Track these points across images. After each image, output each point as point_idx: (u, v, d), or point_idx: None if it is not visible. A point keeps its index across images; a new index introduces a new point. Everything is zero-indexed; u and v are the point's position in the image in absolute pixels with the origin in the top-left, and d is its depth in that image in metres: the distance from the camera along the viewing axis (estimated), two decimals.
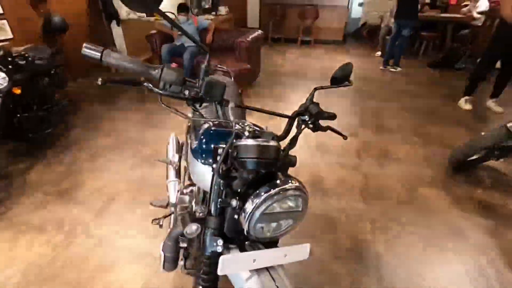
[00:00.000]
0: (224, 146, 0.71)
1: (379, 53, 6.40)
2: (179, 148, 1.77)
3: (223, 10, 5.75)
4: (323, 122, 0.90)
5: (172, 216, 1.44)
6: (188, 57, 3.96)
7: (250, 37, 4.00)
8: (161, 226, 1.42)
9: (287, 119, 0.91)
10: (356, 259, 1.65)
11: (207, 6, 6.17)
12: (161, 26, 4.24)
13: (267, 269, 0.70)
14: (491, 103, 3.71)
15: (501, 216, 2.00)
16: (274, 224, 0.69)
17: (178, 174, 1.70)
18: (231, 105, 0.86)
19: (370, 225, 1.90)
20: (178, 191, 1.58)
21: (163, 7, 0.67)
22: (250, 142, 0.65)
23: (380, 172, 2.43)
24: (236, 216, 0.70)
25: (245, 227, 0.67)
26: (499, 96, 3.67)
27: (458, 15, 6.36)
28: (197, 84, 0.73)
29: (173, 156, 1.77)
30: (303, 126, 0.86)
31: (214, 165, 0.72)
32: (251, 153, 0.64)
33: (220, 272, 0.65)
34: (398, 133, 3.08)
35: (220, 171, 0.69)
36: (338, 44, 7.45)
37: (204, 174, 0.86)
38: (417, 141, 2.93)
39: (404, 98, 4.03)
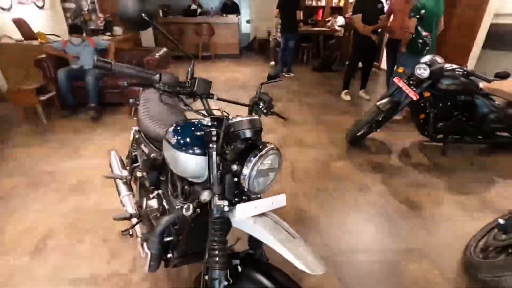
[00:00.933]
0: (214, 130, 0.91)
1: (273, 62, 7.30)
2: (129, 163, 1.79)
3: (118, 30, 5.54)
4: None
5: (139, 224, 1.48)
6: (92, 80, 3.72)
7: (157, 55, 4.07)
8: (131, 235, 1.45)
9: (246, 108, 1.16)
10: (300, 223, 2.02)
11: (93, 27, 5.82)
12: (51, 48, 3.84)
13: (263, 214, 0.93)
14: (361, 93, 4.83)
15: (386, 170, 2.73)
16: (262, 179, 0.93)
17: (129, 187, 1.72)
18: (215, 98, 1.06)
19: (304, 197, 2.32)
20: (135, 202, 1.63)
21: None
22: (243, 118, 0.88)
23: (300, 157, 2.92)
24: (235, 179, 0.90)
25: (246, 185, 0.88)
26: (366, 87, 4.82)
27: (325, 29, 7.89)
28: (187, 84, 0.92)
29: (121, 171, 1.78)
30: (258, 111, 1.13)
31: (211, 145, 0.91)
32: (245, 126, 0.87)
33: (236, 218, 0.85)
34: (305, 125, 3.71)
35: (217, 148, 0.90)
36: (235, 58, 8.11)
37: (188, 161, 1.01)
38: (321, 128, 3.61)
39: (302, 97, 4.81)
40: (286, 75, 6.16)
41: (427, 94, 2.63)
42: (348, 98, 4.70)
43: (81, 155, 2.88)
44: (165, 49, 4.43)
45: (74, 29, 4.01)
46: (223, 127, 0.89)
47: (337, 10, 8.28)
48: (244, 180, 0.89)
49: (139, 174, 1.61)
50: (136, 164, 1.69)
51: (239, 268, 0.94)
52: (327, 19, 8.73)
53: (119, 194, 1.69)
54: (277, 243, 0.83)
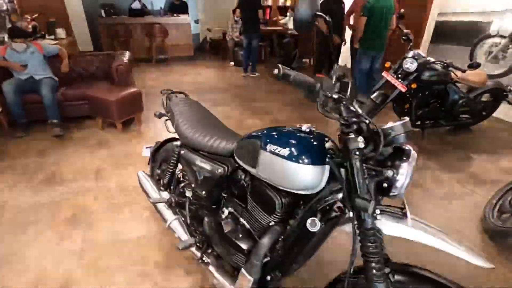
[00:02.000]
0: (358, 136, 0.85)
1: (232, 63, 7.21)
2: (165, 183, 1.57)
3: (62, 33, 4.80)
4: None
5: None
6: (48, 92, 3.16)
7: (125, 60, 3.67)
8: (206, 263, 1.29)
9: None
10: None
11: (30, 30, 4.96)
12: None
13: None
14: None
15: None
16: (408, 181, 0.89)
17: (175, 210, 1.53)
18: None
19: None
20: (186, 224, 1.45)
21: None
22: (397, 123, 0.84)
23: None
24: (385, 185, 0.86)
25: (397, 190, 0.85)
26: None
27: (278, 28, 8.09)
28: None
29: (160, 193, 1.57)
30: None
31: (356, 153, 0.84)
32: (402, 131, 0.83)
33: (409, 225, 0.83)
34: (293, 123, 3.75)
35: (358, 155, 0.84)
36: (190, 60, 7.78)
37: (305, 173, 0.93)
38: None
39: (277, 95, 4.86)
40: (251, 75, 6.15)
41: (413, 85, 2.90)
42: None
43: (62, 180, 2.44)
44: (128, 52, 4.01)
45: (16, 33, 3.35)
46: (381, 135, 0.83)
47: (284, 10, 8.58)
48: (396, 186, 0.85)
49: (189, 193, 1.44)
50: (183, 184, 1.50)
51: (391, 277, 0.90)
52: (275, 19, 8.97)
53: (165, 220, 1.48)
54: (442, 243, 0.83)
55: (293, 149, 0.94)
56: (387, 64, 3.01)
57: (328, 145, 0.97)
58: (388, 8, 3.58)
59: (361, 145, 0.85)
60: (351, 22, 4.52)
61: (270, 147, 0.99)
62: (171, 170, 1.55)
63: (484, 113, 3.42)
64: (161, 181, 1.67)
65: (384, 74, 2.95)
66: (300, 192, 0.97)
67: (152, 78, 5.89)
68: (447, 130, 3.59)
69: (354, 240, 0.88)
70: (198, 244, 1.37)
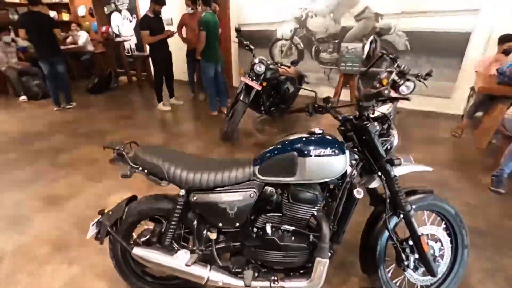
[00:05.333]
0: (369, 124, 1.25)
1: (24, 97, 5.49)
2: (169, 244, 1.35)
3: None
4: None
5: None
6: None
7: None
8: None
9: None
10: None
11: None
12: None
13: None
14: (173, 100, 5.16)
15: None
16: None
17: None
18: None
19: None
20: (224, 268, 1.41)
21: None
22: (392, 108, 1.30)
23: None
24: (388, 147, 1.33)
25: (395, 146, 1.35)
26: (174, 94, 5.18)
27: (68, 46, 6.85)
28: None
29: (177, 256, 1.36)
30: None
31: (375, 134, 1.25)
32: (394, 112, 1.31)
33: None
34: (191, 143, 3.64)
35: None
36: None
37: (342, 161, 1.24)
38: (194, 145, 3.72)
39: (127, 121, 4.36)
40: (68, 106, 5.03)
41: (264, 83, 3.62)
42: (168, 108, 4.88)
43: None
44: None
45: None
46: (389, 117, 1.27)
47: (64, 25, 7.34)
48: (393, 146, 1.35)
49: (213, 236, 1.36)
50: (205, 229, 1.36)
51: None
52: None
53: (200, 277, 1.31)
54: (416, 166, 1.43)
55: (330, 148, 1.21)
56: (240, 70, 3.57)
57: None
58: (216, 23, 4.11)
59: (378, 127, 1.27)
60: (184, 36, 4.78)
61: (314, 152, 1.21)
62: (173, 225, 1.34)
63: (297, 93, 4.78)
64: (158, 243, 1.39)
65: (242, 78, 3.49)
66: (332, 178, 1.27)
67: None
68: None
69: (385, 189, 1.31)
70: (255, 274, 1.35)
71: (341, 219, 1.34)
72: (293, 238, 1.33)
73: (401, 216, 1.34)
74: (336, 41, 4.82)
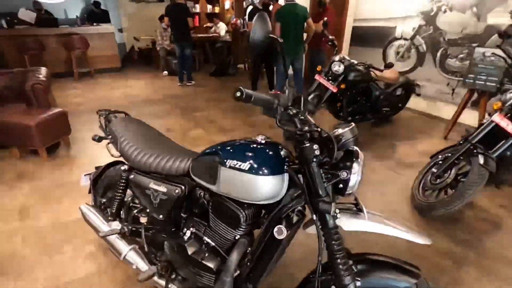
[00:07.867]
0: (314, 144, 0.90)
1: (165, 72, 6.93)
2: (115, 213, 1.44)
3: None
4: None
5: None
6: None
7: (42, 77, 3.24)
8: None
9: None
10: None
11: None
12: None
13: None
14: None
15: None
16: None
17: (129, 238, 1.41)
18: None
19: None
20: (144, 253, 1.36)
21: None
22: (345, 129, 0.91)
23: None
24: (341, 185, 0.93)
25: (351, 189, 0.92)
26: (273, 87, 5.28)
27: (209, 35, 8.08)
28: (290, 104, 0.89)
29: (110, 225, 1.44)
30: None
31: (313, 159, 0.90)
32: (351, 136, 0.91)
33: (368, 223, 0.92)
34: (238, 130, 3.79)
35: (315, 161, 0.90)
36: (118, 71, 7.25)
37: (267, 184, 0.95)
38: (256, 131, 3.77)
39: (217, 103, 4.84)
40: (188, 84, 6.01)
41: (342, 86, 3.19)
42: None
43: None
44: (44, 68, 3.54)
45: None
46: (334, 141, 0.89)
47: (213, 16, 8.62)
48: (349, 185, 0.93)
49: (143, 220, 1.35)
50: (136, 210, 1.39)
51: (354, 268, 0.97)
52: (205, 25, 8.95)
53: (119, 252, 1.35)
54: (393, 230, 0.93)
55: (253, 162, 0.96)
56: (319, 68, 3.26)
57: (283, 153, 1.01)
58: (295, 15, 3.88)
59: (317, 152, 0.91)
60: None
61: (229, 162, 0.99)
62: (119, 197, 1.43)
63: (400, 105, 3.95)
64: (108, 210, 1.52)
65: (316, 77, 3.19)
66: (263, 202, 1.00)
67: (75, 94, 5.32)
68: (372, 123, 4.04)
69: (320, 241, 0.93)
70: (160, 272, 1.28)
71: (260, 258, 1.07)
72: (206, 254, 1.17)
73: None
74: (474, 44, 3.59)
